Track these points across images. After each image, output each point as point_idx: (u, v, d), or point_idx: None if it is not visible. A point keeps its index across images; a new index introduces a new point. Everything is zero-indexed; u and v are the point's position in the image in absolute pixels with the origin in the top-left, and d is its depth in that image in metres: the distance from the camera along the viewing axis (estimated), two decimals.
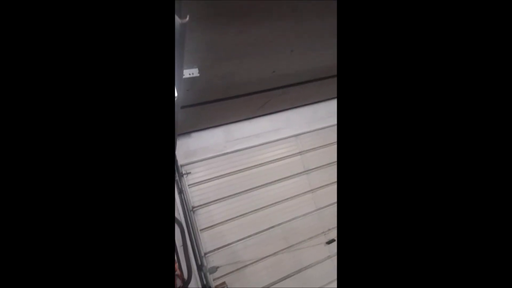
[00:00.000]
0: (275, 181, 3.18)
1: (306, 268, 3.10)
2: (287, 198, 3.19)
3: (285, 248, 3.09)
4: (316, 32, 1.43)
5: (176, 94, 1.22)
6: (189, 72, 1.36)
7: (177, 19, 0.72)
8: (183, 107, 1.85)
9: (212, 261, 2.88)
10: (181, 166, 2.89)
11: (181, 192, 2.85)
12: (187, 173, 2.91)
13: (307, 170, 3.31)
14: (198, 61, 1.34)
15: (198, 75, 1.38)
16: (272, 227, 3.10)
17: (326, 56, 1.87)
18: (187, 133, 2.96)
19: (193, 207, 2.89)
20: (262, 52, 1.44)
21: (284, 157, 3.27)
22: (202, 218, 2.92)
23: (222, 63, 1.44)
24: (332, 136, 3.42)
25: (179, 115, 1.46)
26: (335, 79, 2.53)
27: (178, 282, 2.65)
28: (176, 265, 2.71)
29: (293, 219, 3.17)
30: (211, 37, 1.17)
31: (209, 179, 3.00)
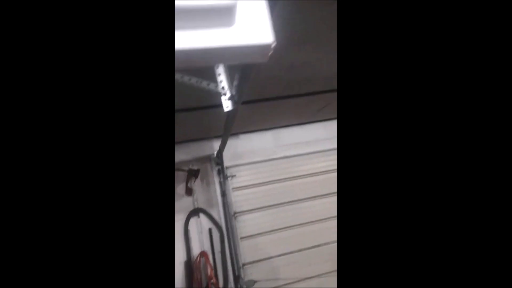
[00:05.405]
0: (325, 194, 2.88)
1: None
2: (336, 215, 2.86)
3: (331, 272, 2.75)
4: None
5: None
6: None
7: None
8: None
9: (250, 273, 2.65)
10: (227, 168, 2.76)
11: (224, 195, 2.70)
12: (232, 176, 2.77)
13: None
14: None
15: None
16: (318, 245, 2.79)
17: None
18: (236, 134, 2.83)
19: (235, 213, 2.72)
20: None
21: (336, 169, 2.96)
22: (243, 226, 2.73)
23: (293, 48, 1.25)
24: None
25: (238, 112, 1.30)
26: None
27: None
28: (212, 272, 2.55)
29: None
30: (292, 10, 0.98)
31: (254, 184, 2.82)
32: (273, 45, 0.49)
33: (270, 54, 0.52)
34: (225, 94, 1.13)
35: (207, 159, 2.80)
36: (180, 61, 0.48)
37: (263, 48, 0.48)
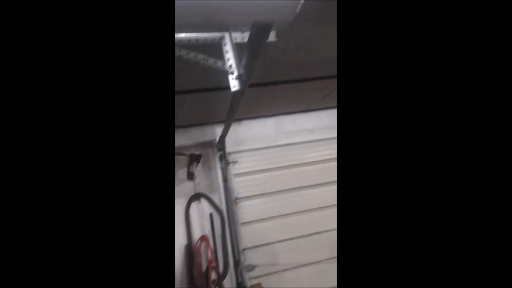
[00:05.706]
0: (326, 183, 2.87)
1: None
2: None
3: (330, 258, 2.78)
4: None
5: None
6: None
7: None
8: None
9: (250, 258, 2.68)
10: (228, 154, 2.75)
11: (225, 180, 2.70)
12: (234, 162, 2.76)
13: None
14: None
15: (274, 39, 1.16)
16: (318, 232, 2.81)
17: None
18: (238, 120, 2.80)
19: (236, 198, 2.72)
20: None
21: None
22: (244, 212, 2.74)
23: (306, 27, 1.21)
24: None
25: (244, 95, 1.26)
26: None
27: (213, 275, 2.51)
28: (212, 256, 2.57)
29: None
30: None
31: (255, 171, 2.81)
32: (301, 2, 0.46)
33: (297, 11, 0.49)
34: (232, 73, 1.10)
35: (209, 144, 2.78)
36: (202, 14, 0.45)
37: (291, 4, 0.45)
